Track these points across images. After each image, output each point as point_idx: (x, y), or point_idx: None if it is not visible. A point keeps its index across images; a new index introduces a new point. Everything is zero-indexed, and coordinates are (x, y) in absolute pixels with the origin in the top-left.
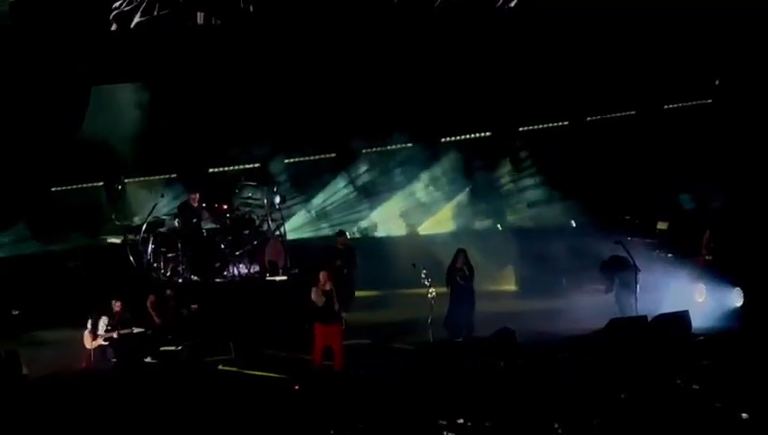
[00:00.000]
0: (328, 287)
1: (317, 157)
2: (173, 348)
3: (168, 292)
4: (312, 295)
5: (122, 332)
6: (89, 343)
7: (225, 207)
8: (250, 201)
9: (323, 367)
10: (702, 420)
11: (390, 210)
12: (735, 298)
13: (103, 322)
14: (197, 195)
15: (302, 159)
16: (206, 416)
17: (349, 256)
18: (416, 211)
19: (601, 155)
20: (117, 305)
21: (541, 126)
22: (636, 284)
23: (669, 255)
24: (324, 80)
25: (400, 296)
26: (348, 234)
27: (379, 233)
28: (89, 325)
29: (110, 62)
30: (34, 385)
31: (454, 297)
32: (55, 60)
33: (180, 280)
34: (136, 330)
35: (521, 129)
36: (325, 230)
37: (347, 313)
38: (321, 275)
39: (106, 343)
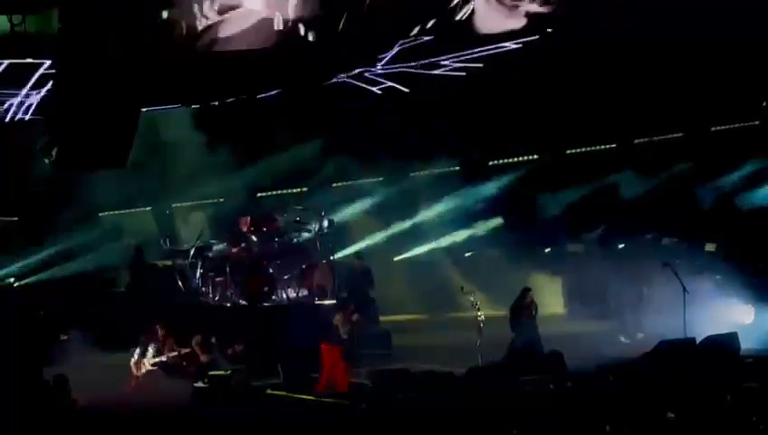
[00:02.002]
0: (355, 318)
1: (364, 181)
2: (222, 372)
3: (213, 340)
4: (340, 326)
5: (171, 355)
6: (137, 369)
7: (274, 231)
8: (299, 225)
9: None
10: None
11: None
12: None
13: (151, 349)
14: (248, 219)
15: (348, 182)
16: None
17: (366, 278)
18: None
19: (649, 175)
20: (161, 332)
21: (588, 149)
22: (683, 305)
23: (718, 276)
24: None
25: (447, 320)
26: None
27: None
28: (136, 353)
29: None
30: (83, 410)
31: (521, 337)
32: (107, 82)
33: (229, 304)
34: (183, 351)
35: (568, 151)
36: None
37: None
38: (344, 310)
39: (155, 368)
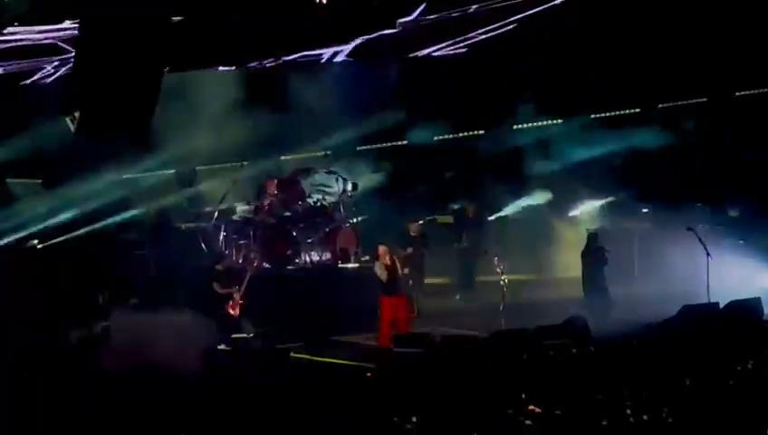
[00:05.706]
0: (388, 261)
1: (389, 144)
2: (245, 335)
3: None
4: (377, 270)
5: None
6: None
7: (298, 194)
8: (322, 188)
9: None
10: None
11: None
12: None
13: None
14: (272, 181)
15: (372, 146)
16: (279, 403)
17: (421, 243)
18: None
19: (674, 142)
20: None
21: (612, 113)
22: (707, 270)
23: (741, 241)
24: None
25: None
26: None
27: None
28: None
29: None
30: (107, 372)
31: (596, 280)
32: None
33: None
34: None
35: (592, 116)
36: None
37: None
38: (380, 250)
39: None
